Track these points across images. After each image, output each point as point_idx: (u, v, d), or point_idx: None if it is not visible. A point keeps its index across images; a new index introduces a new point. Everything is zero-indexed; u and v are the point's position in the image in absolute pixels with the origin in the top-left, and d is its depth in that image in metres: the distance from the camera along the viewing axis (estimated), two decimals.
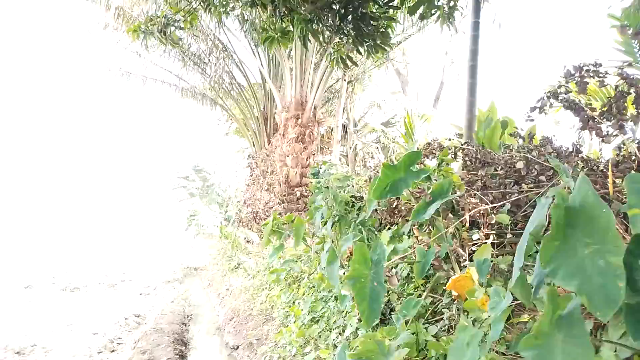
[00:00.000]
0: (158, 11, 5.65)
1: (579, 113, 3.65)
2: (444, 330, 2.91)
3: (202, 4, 5.06)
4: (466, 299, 2.81)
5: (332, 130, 13.65)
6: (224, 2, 5.06)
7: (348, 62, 5.80)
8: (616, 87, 3.33)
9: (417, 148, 4.87)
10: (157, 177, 24.25)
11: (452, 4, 5.11)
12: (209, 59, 13.08)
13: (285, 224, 5.56)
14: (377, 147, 15.40)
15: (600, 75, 3.39)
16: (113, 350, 6.16)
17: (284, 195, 11.26)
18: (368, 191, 3.69)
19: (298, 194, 11.04)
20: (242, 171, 18.38)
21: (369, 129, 16.16)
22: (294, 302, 5.35)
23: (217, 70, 13.28)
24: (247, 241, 12.08)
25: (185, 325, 7.54)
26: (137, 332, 6.90)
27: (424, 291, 3.35)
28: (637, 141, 3.29)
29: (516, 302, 2.53)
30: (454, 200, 3.77)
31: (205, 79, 13.73)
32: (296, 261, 6.29)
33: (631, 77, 3.23)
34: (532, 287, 2.01)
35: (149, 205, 25.58)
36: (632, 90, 3.10)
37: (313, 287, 5.25)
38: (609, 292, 1.32)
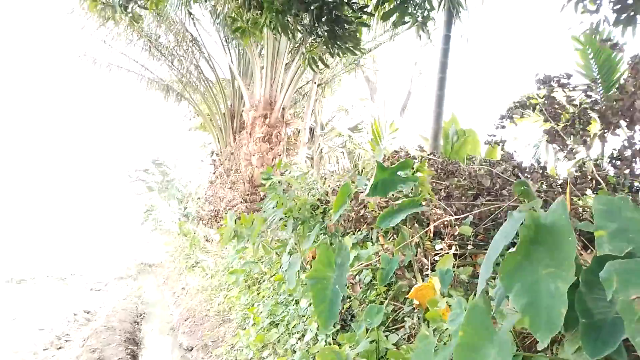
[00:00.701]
0: None
1: (556, 120, 3.78)
2: (405, 339, 2.93)
3: None
4: (427, 308, 2.84)
5: (299, 132, 13.60)
6: None
7: (320, 63, 5.80)
8: (580, 104, 3.47)
9: (384, 155, 4.91)
10: (116, 169, 23.43)
11: (425, 13, 5.21)
12: (176, 51, 12.78)
13: (247, 226, 5.48)
14: (343, 152, 15.50)
15: (570, 88, 3.53)
16: (60, 348, 5.87)
17: (248, 194, 11.12)
18: (335, 200, 3.69)
19: (262, 194, 10.92)
20: (205, 168, 18.05)
21: (336, 133, 16.24)
22: (253, 305, 5.27)
23: (185, 63, 12.99)
24: (207, 239, 11.85)
25: (138, 324, 7.30)
26: (87, 330, 6.62)
27: (385, 299, 3.37)
28: (593, 160, 3.43)
29: None
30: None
31: (173, 72, 13.41)
32: (257, 262, 6.20)
33: (594, 98, 3.38)
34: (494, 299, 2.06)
35: (104, 197, 24.68)
36: (596, 108, 3.24)
37: (274, 289, 5.19)
38: (552, 315, 1.37)
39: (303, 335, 3.85)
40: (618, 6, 4.09)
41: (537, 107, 3.60)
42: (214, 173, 13.24)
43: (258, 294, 5.46)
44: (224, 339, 5.23)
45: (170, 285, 10.39)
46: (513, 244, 1.83)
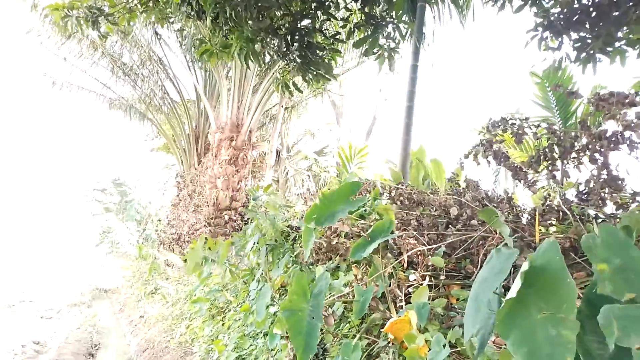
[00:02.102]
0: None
1: (507, 163, 3.89)
2: None
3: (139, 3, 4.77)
4: (402, 342, 2.78)
5: (265, 155, 13.51)
6: (162, 6, 4.83)
7: (292, 88, 5.82)
8: (548, 138, 3.57)
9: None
10: (72, 189, 22.49)
11: (393, 45, 5.37)
12: (141, 71, 12.53)
13: (214, 251, 5.31)
14: (309, 175, 15.49)
15: (531, 127, 3.63)
16: None
17: (212, 218, 10.84)
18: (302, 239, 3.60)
19: (226, 217, 10.68)
20: (167, 189, 17.60)
21: (302, 157, 16.25)
22: (217, 337, 5.04)
23: (149, 83, 12.74)
24: (168, 264, 11.41)
25: (92, 357, 6.85)
26: None
27: (358, 332, 3.29)
28: (561, 193, 3.52)
29: (454, 350, 2.55)
30: (391, 240, 3.80)
31: (136, 91, 13.10)
32: (222, 290, 5.98)
33: (558, 131, 3.49)
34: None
35: (58, 218, 23.55)
36: (560, 144, 3.34)
37: (240, 320, 4.99)
38: None
39: None
40: (578, 44, 4.31)
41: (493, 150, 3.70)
42: (178, 195, 12.89)
43: (223, 324, 5.23)
44: None
45: (127, 313, 9.88)
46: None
